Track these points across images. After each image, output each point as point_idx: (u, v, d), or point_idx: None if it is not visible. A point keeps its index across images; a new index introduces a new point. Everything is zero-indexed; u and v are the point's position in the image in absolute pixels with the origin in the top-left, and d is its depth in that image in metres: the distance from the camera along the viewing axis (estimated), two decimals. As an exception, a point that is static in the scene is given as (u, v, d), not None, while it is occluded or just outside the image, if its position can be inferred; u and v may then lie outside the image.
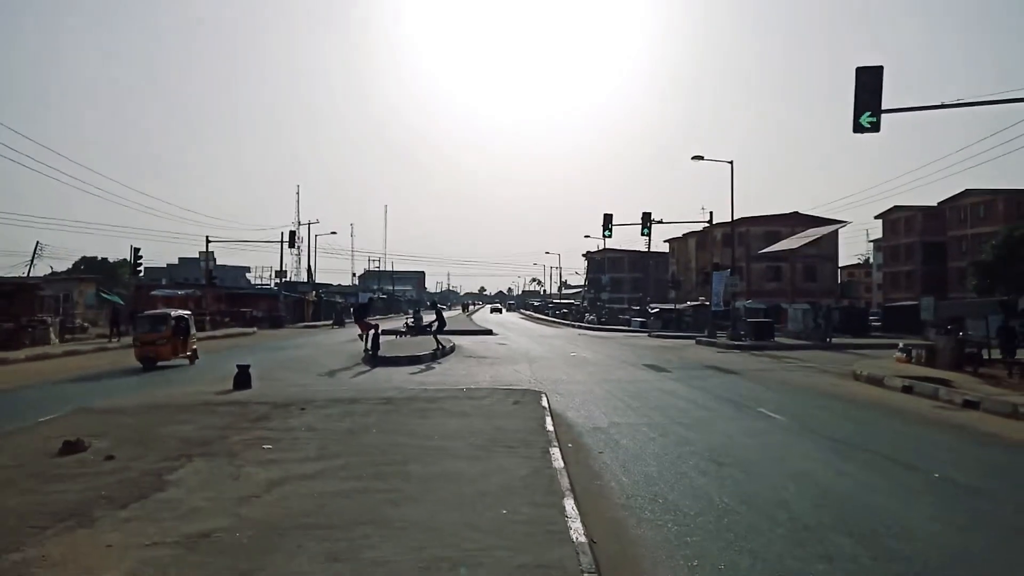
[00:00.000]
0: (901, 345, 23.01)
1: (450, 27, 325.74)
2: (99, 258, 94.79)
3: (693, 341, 36.56)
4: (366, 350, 22.67)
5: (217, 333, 41.29)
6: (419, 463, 7.26)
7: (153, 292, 45.34)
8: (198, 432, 8.90)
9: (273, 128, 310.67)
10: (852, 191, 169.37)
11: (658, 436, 10.40)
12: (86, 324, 37.63)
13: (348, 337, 33.96)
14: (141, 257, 36.84)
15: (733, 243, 36.57)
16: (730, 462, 8.74)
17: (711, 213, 37.15)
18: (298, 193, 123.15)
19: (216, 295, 53.29)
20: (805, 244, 39.57)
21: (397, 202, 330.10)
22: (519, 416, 10.45)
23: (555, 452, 7.88)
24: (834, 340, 33.53)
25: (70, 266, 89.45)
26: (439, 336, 25.28)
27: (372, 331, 22.68)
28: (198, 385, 15.22)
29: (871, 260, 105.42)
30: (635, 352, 28.64)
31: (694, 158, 34.63)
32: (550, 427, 9.60)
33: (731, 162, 34.54)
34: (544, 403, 11.97)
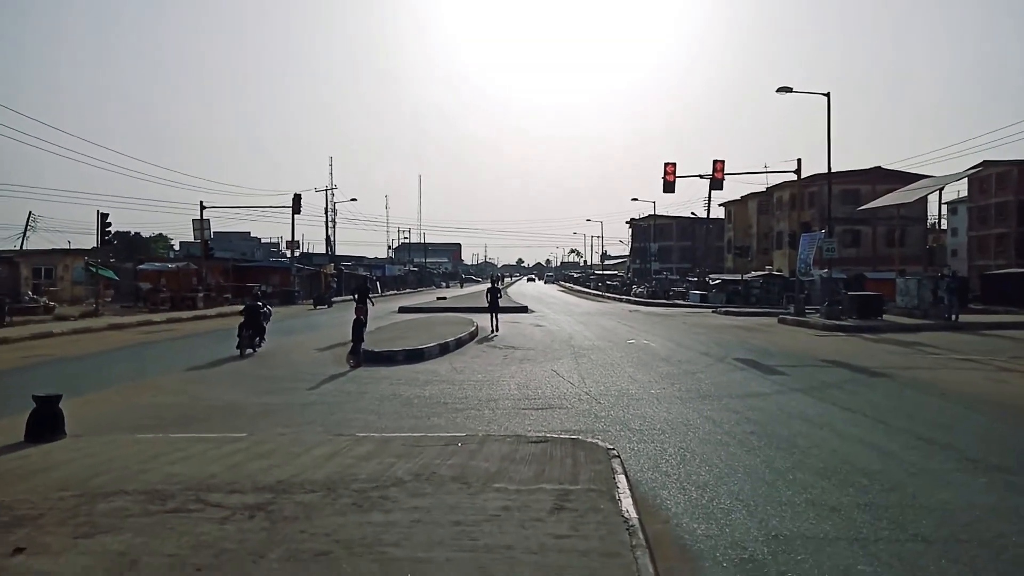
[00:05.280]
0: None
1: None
2: (132, 232, 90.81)
3: (773, 319, 29.81)
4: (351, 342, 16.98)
5: (209, 312, 35.62)
6: None
7: (141, 267, 39.83)
8: None
9: (310, 99, 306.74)
10: (933, 148, 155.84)
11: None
12: (52, 304, 32.26)
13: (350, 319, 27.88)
14: (110, 224, 31.13)
15: (829, 195, 28.89)
16: None
17: (798, 161, 29.87)
18: (331, 164, 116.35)
19: (221, 268, 47.78)
20: (917, 200, 31.98)
21: (432, 174, 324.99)
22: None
23: None
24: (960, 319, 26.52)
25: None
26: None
27: (359, 317, 16.55)
28: None
29: (940, 224, 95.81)
30: (711, 337, 21.94)
31: (780, 90, 27.15)
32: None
33: (827, 94, 27.06)
34: (623, 504, 5.33)
